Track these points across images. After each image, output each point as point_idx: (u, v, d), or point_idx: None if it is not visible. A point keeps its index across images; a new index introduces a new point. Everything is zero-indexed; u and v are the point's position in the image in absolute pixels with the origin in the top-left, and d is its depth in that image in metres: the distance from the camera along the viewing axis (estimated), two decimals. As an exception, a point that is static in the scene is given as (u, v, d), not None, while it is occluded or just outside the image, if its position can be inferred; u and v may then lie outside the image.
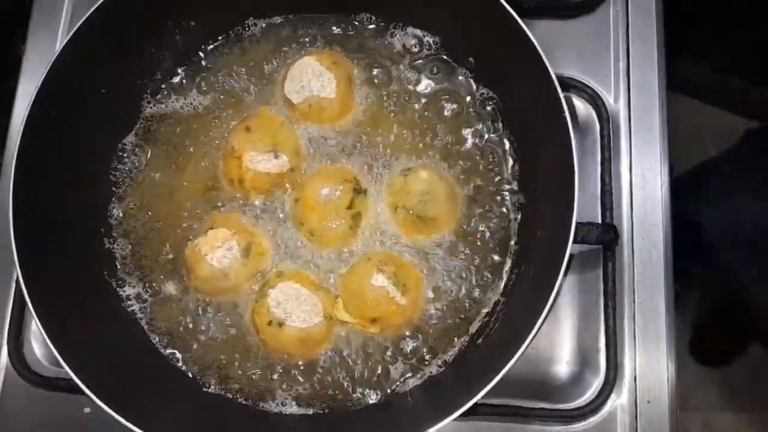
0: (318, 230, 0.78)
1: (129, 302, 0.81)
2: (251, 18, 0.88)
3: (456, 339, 0.78)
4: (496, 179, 0.82)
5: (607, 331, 0.80)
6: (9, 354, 0.83)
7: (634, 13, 0.92)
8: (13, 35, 0.96)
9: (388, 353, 0.78)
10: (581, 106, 0.89)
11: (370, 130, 0.84)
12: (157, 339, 0.80)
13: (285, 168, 0.79)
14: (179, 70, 0.87)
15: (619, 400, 0.81)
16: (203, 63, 0.87)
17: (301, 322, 0.74)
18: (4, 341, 0.83)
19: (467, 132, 0.84)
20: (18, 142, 0.70)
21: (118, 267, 0.82)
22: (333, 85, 0.80)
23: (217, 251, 0.76)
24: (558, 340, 0.84)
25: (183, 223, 0.82)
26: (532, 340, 0.65)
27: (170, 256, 0.82)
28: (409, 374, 0.77)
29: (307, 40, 0.87)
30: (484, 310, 0.79)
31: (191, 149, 0.85)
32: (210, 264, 0.76)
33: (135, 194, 0.84)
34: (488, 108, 0.84)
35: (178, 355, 0.79)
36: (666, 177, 0.87)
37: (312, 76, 0.80)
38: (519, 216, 0.81)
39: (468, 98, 0.85)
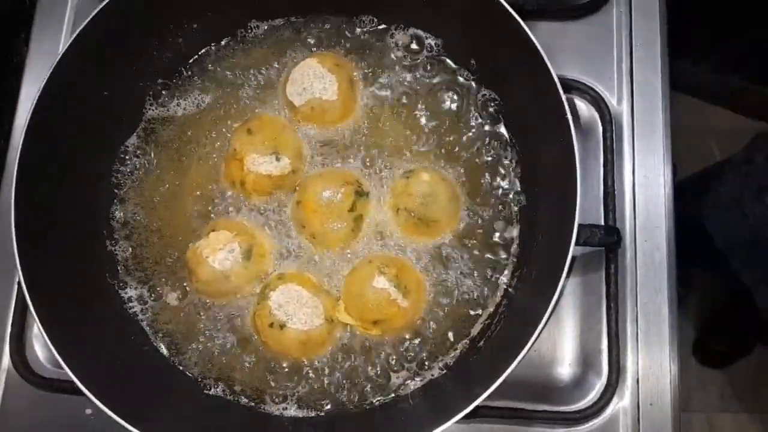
0: (320, 232, 0.78)
1: (130, 304, 0.81)
2: (253, 20, 0.88)
3: (457, 341, 0.78)
4: (498, 181, 0.82)
5: (609, 334, 0.80)
6: (11, 355, 0.83)
7: (637, 14, 0.92)
8: (16, 37, 0.96)
9: (390, 356, 0.78)
10: (584, 107, 0.89)
11: (372, 132, 0.83)
12: (158, 341, 0.80)
13: (287, 170, 0.79)
14: (181, 72, 0.87)
15: (621, 403, 0.81)
16: (205, 65, 0.87)
17: (303, 324, 0.74)
18: (6, 343, 0.84)
19: (469, 134, 0.84)
20: (20, 144, 0.71)
21: (120, 269, 0.82)
22: (335, 87, 0.80)
23: (218, 253, 0.76)
24: (560, 342, 0.84)
25: (184, 226, 0.82)
26: (534, 342, 0.64)
27: (172, 259, 0.82)
28: (411, 377, 0.77)
29: (309, 42, 0.87)
30: (486, 313, 0.79)
31: (193, 151, 0.85)
32: (211, 266, 0.76)
33: (137, 196, 0.84)
34: (490, 110, 0.84)
35: (179, 357, 0.79)
36: (669, 179, 0.87)
37: (314, 79, 0.80)
38: (521, 218, 0.81)
39: (470, 100, 0.85)
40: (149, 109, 0.86)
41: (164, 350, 0.80)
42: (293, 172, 0.80)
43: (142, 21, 0.79)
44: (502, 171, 0.83)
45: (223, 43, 0.88)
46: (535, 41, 0.70)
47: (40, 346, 0.85)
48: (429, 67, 0.86)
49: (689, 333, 1.75)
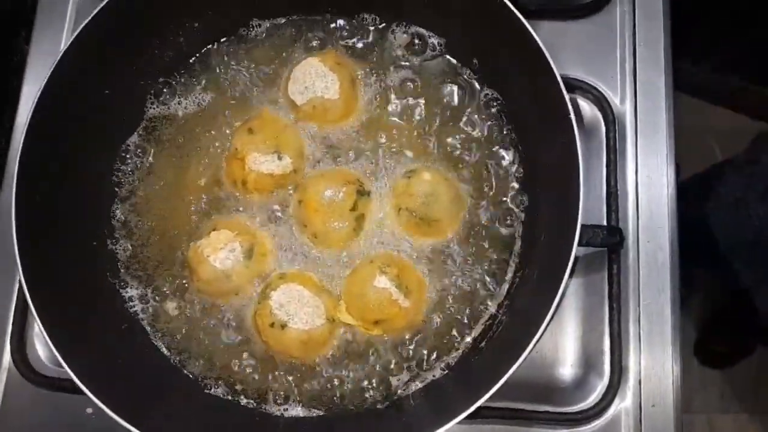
0: (321, 232, 0.78)
1: (131, 303, 0.81)
2: (255, 19, 0.87)
3: (459, 342, 0.78)
4: (501, 181, 0.82)
5: (611, 334, 0.80)
6: (12, 354, 0.83)
7: (640, 13, 0.91)
8: (17, 36, 0.96)
9: (391, 356, 0.78)
10: (587, 107, 0.89)
11: (374, 131, 0.83)
12: (158, 340, 0.80)
13: (288, 169, 0.79)
14: (182, 71, 0.87)
15: (623, 404, 0.81)
16: (206, 64, 0.87)
17: (304, 324, 0.74)
18: (7, 341, 0.84)
19: (471, 133, 0.83)
20: (21, 143, 0.70)
21: (121, 268, 0.82)
22: (336, 86, 0.80)
23: (219, 253, 0.76)
24: (562, 342, 0.84)
25: (186, 225, 0.82)
26: (536, 343, 0.64)
27: (173, 258, 0.82)
28: (412, 377, 0.77)
29: (310, 40, 0.87)
30: (488, 313, 0.79)
31: (194, 150, 0.85)
32: (212, 265, 0.76)
33: (138, 195, 0.84)
34: (492, 109, 0.84)
35: (180, 357, 0.79)
36: (672, 179, 0.87)
37: (315, 77, 0.80)
38: (523, 218, 0.81)
39: (472, 99, 0.84)
40: (150, 108, 0.86)
41: (165, 349, 0.80)
42: (295, 171, 0.80)
43: (143, 20, 0.79)
44: (505, 171, 0.82)
45: (224, 42, 0.88)
46: (538, 41, 0.70)
47: (40, 344, 0.85)
48: (431, 67, 0.86)
49: (690, 333, 1.75)
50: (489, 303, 0.79)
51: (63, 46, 0.73)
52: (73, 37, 0.73)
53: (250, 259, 0.77)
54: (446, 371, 0.77)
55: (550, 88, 0.69)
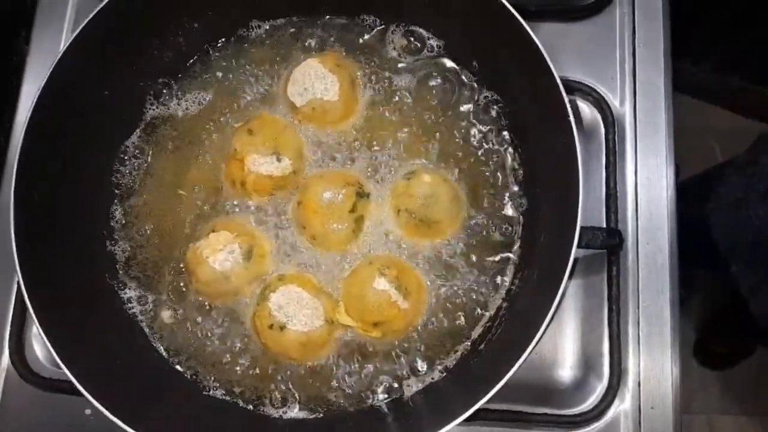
0: (320, 233, 0.78)
1: (130, 305, 0.80)
2: (254, 20, 0.87)
3: (458, 344, 0.78)
4: (500, 183, 0.82)
5: (611, 336, 0.80)
6: (10, 355, 0.83)
7: (640, 15, 0.91)
8: (16, 36, 0.96)
9: (390, 358, 0.78)
10: (586, 109, 0.89)
11: (373, 132, 0.83)
12: (157, 341, 0.80)
13: (287, 171, 0.79)
14: (182, 72, 0.87)
15: (622, 406, 0.81)
16: (206, 65, 0.87)
17: (303, 325, 0.74)
18: (6, 342, 0.83)
19: (471, 135, 0.83)
20: (20, 143, 0.70)
21: (120, 269, 0.81)
22: (336, 87, 0.80)
23: (218, 254, 0.76)
24: (561, 344, 0.84)
25: (185, 226, 0.82)
26: (535, 345, 0.64)
27: (172, 259, 0.81)
28: (411, 380, 0.77)
29: (310, 42, 0.87)
30: (487, 315, 0.79)
31: (193, 151, 0.84)
32: (212, 267, 0.76)
33: (137, 196, 0.84)
34: (492, 111, 0.84)
35: (179, 358, 0.79)
36: (672, 181, 0.86)
37: (315, 79, 0.80)
38: (523, 220, 0.81)
39: (471, 101, 0.84)
40: (150, 108, 0.86)
41: (163, 351, 0.80)
42: (294, 172, 0.80)
43: (143, 20, 0.79)
44: (504, 172, 0.82)
45: (224, 42, 0.88)
46: (538, 42, 0.70)
47: (39, 345, 0.85)
48: (430, 68, 0.85)
49: (690, 335, 1.75)
50: (488, 305, 0.79)
51: (63, 46, 0.73)
52: (73, 37, 0.73)
53: (249, 261, 0.77)
54: (445, 373, 0.77)
55: (550, 89, 0.69)
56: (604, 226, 0.82)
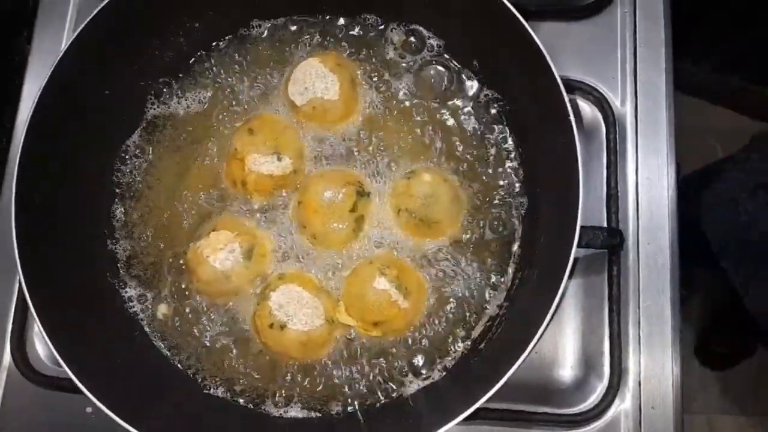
0: (321, 233, 0.78)
1: (131, 303, 0.81)
2: (255, 19, 0.87)
3: (458, 343, 0.78)
4: (500, 182, 0.82)
5: (611, 336, 0.80)
6: (12, 353, 0.83)
7: (641, 14, 0.91)
8: (18, 36, 0.96)
9: (390, 357, 0.78)
10: (587, 108, 0.89)
11: (373, 132, 0.83)
12: (158, 340, 0.80)
13: (288, 170, 0.79)
14: (183, 71, 0.87)
15: (623, 405, 0.81)
16: (207, 64, 0.87)
17: (303, 325, 0.74)
18: (7, 340, 0.84)
19: (471, 134, 0.83)
20: (21, 143, 0.71)
21: (120, 268, 0.82)
22: (336, 87, 0.80)
23: (219, 253, 0.76)
24: (562, 344, 0.84)
25: (185, 225, 0.82)
26: (535, 344, 0.64)
27: (172, 258, 0.82)
28: (411, 378, 0.77)
29: (311, 41, 0.87)
30: (487, 314, 0.79)
31: (194, 151, 0.85)
32: (212, 266, 0.76)
33: (138, 195, 0.84)
34: (492, 110, 0.84)
35: (180, 357, 0.79)
36: (672, 180, 0.86)
37: (315, 78, 0.80)
38: (523, 219, 0.81)
39: (472, 100, 0.84)
40: (150, 108, 0.86)
41: (164, 350, 0.80)
42: (294, 172, 0.80)
43: (144, 20, 0.79)
44: (504, 172, 0.82)
45: (224, 42, 0.88)
46: (538, 42, 0.70)
47: (40, 343, 0.85)
48: (431, 68, 0.85)
49: (690, 335, 1.75)
50: (488, 304, 0.79)
51: (64, 45, 0.73)
52: (74, 36, 0.73)
53: (250, 260, 0.77)
54: (445, 372, 0.77)
55: (550, 89, 0.69)
56: (605, 225, 0.82)
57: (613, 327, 0.80)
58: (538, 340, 0.64)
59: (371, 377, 0.77)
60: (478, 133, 0.83)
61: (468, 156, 0.83)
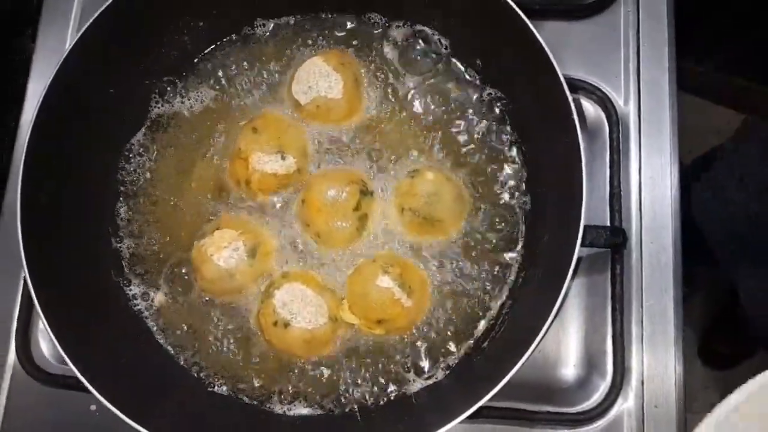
0: (324, 231, 0.78)
1: (135, 302, 0.81)
2: (259, 18, 0.88)
3: (461, 342, 0.78)
4: (503, 181, 0.82)
5: (614, 335, 0.80)
6: (17, 351, 0.83)
7: (644, 13, 0.91)
8: (22, 35, 0.96)
9: (393, 355, 0.78)
10: (590, 107, 0.89)
11: (377, 131, 0.83)
12: (163, 338, 0.80)
13: (292, 169, 0.79)
14: (187, 71, 0.87)
15: (626, 404, 0.81)
16: (211, 63, 0.87)
17: (307, 323, 0.74)
18: (12, 339, 0.84)
19: (474, 133, 0.83)
20: (26, 142, 0.71)
21: (125, 266, 0.82)
22: (340, 85, 0.80)
23: (223, 252, 0.76)
24: (565, 343, 0.84)
25: (189, 224, 0.82)
26: (539, 343, 0.64)
27: (177, 256, 0.82)
28: (414, 377, 0.77)
29: (314, 40, 0.87)
30: (490, 313, 0.79)
31: (198, 149, 0.85)
32: (216, 264, 0.76)
33: (142, 194, 0.84)
34: (496, 110, 0.84)
35: (184, 355, 0.80)
36: (676, 180, 0.86)
37: (319, 77, 0.80)
38: (526, 218, 0.81)
39: (475, 100, 0.84)
40: (155, 107, 0.86)
41: (169, 348, 0.80)
42: (298, 170, 0.80)
43: (148, 19, 0.79)
44: (508, 171, 0.82)
45: (228, 41, 0.88)
46: (542, 41, 0.70)
47: (45, 342, 0.85)
48: (434, 66, 0.85)
49: (693, 334, 1.74)
50: (491, 303, 0.79)
51: (68, 44, 0.73)
52: (78, 36, 0.73)
53: (254, 258, 0.77)
54: (448, 371, 0.77)
55: (553, 88, 0.69)
56: (608, 224, 0.82)
57: (616, 326, 0.80)
58: (541, 339, 0.64)
59: (374, 375, 0.78)
60: (482, 131, 0.83)
61: (471, 155, 0.83)
